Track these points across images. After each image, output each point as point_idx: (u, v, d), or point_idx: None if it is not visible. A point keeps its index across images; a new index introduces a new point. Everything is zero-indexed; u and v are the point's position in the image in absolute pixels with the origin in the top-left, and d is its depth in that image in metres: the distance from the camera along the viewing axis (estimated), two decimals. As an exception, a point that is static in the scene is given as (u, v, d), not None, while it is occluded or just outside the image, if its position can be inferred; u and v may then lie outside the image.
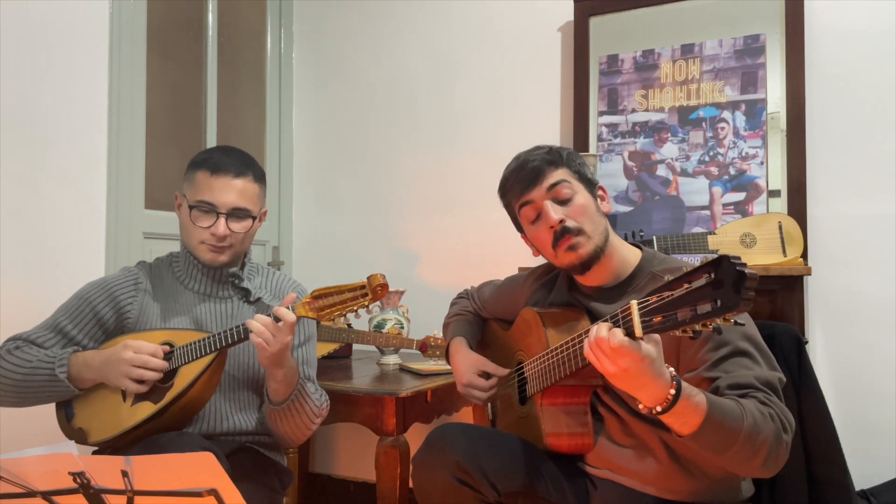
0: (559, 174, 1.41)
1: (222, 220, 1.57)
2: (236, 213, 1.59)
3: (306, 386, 1.59)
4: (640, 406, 1.14)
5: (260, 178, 1.66)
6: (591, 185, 1.44)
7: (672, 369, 1.12)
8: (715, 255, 0.97)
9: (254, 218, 1.63)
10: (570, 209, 1.39)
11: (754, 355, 1.25)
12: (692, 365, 1.27)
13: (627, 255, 1.44)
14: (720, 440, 1.14)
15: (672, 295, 1.01)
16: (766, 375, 1.22)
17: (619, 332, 1.07)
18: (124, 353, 1.47)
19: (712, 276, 0.97)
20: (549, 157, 1.43)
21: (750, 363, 1.23)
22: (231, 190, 1.58)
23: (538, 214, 1.41)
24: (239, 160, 1.63)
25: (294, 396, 1.55)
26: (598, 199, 1.44)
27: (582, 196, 1.41)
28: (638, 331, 1.06)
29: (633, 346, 1.07)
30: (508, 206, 1.50)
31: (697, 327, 0.99)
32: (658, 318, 1.03)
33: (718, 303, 0.96)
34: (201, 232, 1.58)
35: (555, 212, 1.39)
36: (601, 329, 1.10)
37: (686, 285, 1.00)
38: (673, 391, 1.10)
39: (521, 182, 1.43)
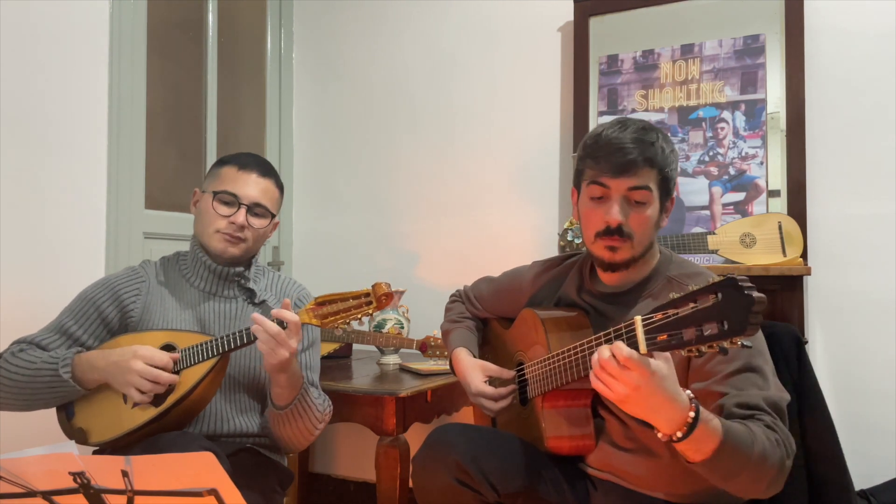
0: (649, 178, 1.32)
1: (243, 211, 1.62)
2: (255, 210, 1.64)
3: (309, 391, 1.59)
4: (659, 434, 1.10)
5: (280, 186, 1.72)
6: (667, 196, 1.37)
7: (689, 392, 1.10)
8: (721, 265, 0.96)
9: (272, 217, 1.67)
10: (636, 214, 1.33)
11: (765, 373, 1.23)
12: (700, 376, 1.25)
13: (647, 258, 1.40)
14: (731, 467, 1.12)
15: (677, 313, 1.00)
16: (774, 398, 1.21)
17: (623, 346, 1.05)
18: (134, 362, 1.46)
19: (719, 297, 0.95)
20: (650, 153, 1.31)
21: (761, 381, 1.22)
22: (255, 186, 1.64)
23: (603, 198, 1.35)
24: (265, 164, 1.70)
25: (297, 401, 1.55)
26: (664, 213, 1.38)
27: (653, 208, 1.34)
28: (642, 347, 1.04)
29: (642, 360, 1.04)
30: (580, 164, 1.40)
31: (703, 348, 0.98)
32: (663, 337, 1.01)
33: (725, 325, 0.94)
34: (219, 220, 1.61)
35: (622, 211, 1.33)
36: (603, 352, 1.07)
37: (692, 304, 0.98)
38: (693, 413, 1.06)
39: (607, 162, 1.32)
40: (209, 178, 1.68)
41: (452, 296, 1.86)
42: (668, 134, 2.28)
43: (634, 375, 1.04)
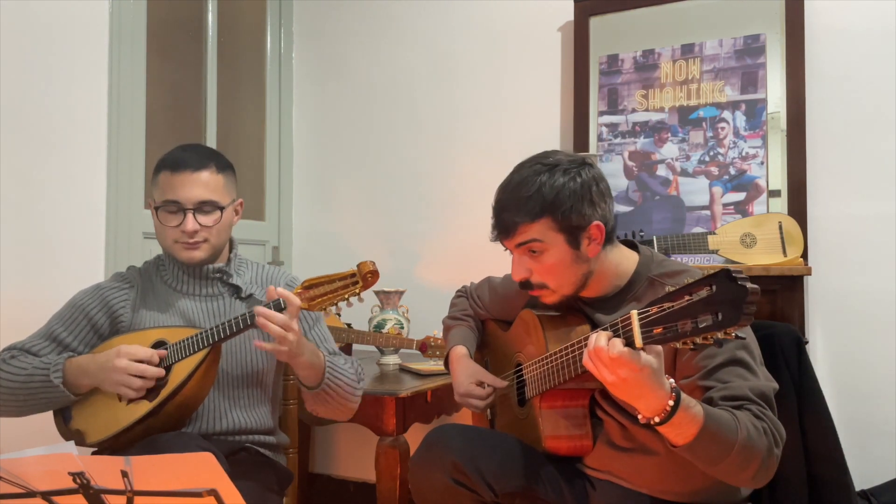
0: (532, 231, 1.33)
1: (190, 216, 1.55)
2: (203, 208, 1.56)
3: (336, 361, 1.59)
4: (639, 416, 1.14)
5: (224, 167, 1.61)
6: (577, 231, 1.33)
7: (672, 380, 1.12)
8: (718, 266, 0.97)
9: (222, 209, 1.58)
10: (537, 265, 1.36)
11: (750, 364, 1.24)
12: (687, 371, 1.27)
13: (623, 265, 1.40)
14: (714, 452, 1.14)
15: (672, 306, 1.01)
16: (761, 387, 1.22)
17: (618, 343, 1.07)
18: (118, 361, 1.46)
19: (713, 288, 0.97)
20: (528, 208, 1.31)
21: (745, 373, 1.23)
22: (193, 184, 1.55)
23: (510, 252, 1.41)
24: (198, 154, 1.60)
25: (328, 376, 1.54)
26: (585, 243, 1.34)
27: (555, 253, 1.34)
28: (638, 341, 1.05)
29: (633, 356, 1.06)
30: None
31: (698, 340, 0.99)
32: (658, 330, 1.03)
33: (719, 316, 0.96)
34: (172, 232, 1.57)
35: (520, 267, 1.38)
36: (600, 338, 1.10)
37: (687, 297, 1.00)
38: (672, 402, 1.09)
39: (496, 226, 1.38)
40: (153, 188, 1.60)
41: (458, 291, 1.87)
42: (670, 134, 2.30)
43: (624, 370, 1.07)
